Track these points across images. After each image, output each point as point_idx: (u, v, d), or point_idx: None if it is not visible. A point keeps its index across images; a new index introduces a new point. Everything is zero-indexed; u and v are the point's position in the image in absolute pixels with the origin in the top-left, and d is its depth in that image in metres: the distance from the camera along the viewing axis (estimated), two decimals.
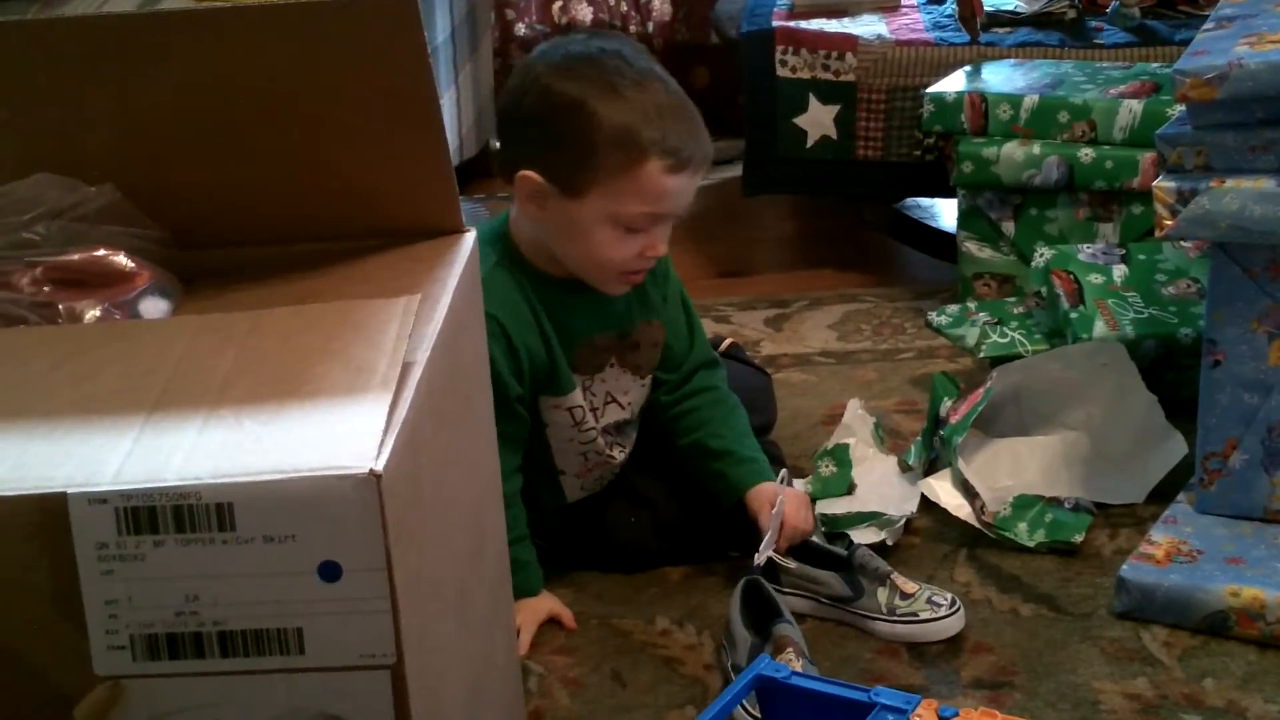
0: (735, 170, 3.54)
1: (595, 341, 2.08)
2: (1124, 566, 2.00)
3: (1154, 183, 1.99)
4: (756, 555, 2.02)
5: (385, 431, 1.00)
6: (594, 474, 2.18)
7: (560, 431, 2.10)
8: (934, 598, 2.00)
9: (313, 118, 1.29)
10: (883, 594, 2.00)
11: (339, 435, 1.01)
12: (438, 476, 1.15)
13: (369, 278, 1.29)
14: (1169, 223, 1.97)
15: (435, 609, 1.13)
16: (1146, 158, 2.76)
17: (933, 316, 2.81)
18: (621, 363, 2.12)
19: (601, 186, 1.90)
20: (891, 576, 2.02)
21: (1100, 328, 2.47)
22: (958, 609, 2.00)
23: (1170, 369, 2.43)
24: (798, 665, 1.81)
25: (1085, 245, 2.73)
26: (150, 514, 0.96)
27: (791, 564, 2.04)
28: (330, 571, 0.99)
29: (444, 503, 1.18)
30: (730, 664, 1.92)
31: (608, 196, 1.91)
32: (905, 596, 2.00)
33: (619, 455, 2.18)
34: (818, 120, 3.23)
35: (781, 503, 2.06)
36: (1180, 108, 2.02)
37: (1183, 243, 2.58)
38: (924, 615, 1.97)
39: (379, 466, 0.97)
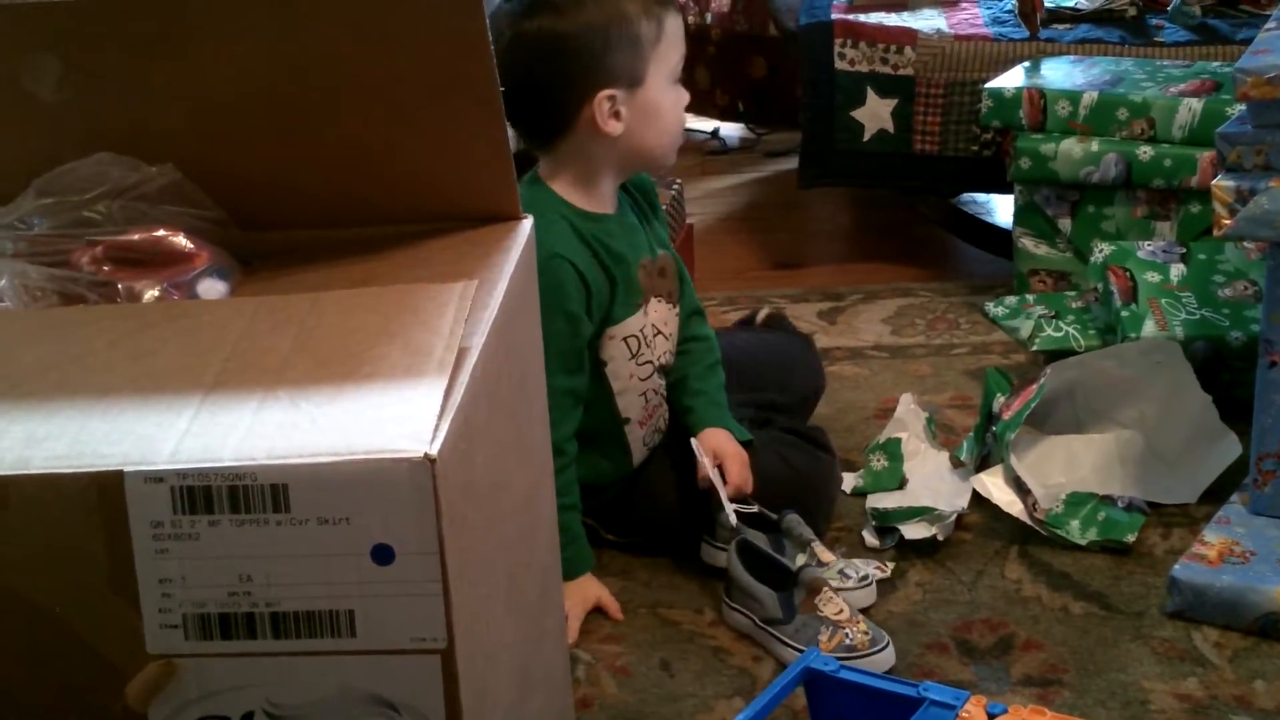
0: (792, 162, 3.55)
1: (646, 265, 2.16)
2: (1176, 566, 1.99)
3: (1213, 181, 1.98)
4: (723, 517, 2.07)
5: (440, 415, 1.01)
6: (653, 421, 2.20)
7: (620, 368, 2.13)
8: (845, 569, 2.03)
9: (374, 102, 1.29)
10: (801, 559, 2.04)
11: (394, 418, 1.01)
12: (491, 461, 1.16)
13: (427, 262, 1.29)
14: (1228, 222, 1.96)
15: (486, 593, 1.13)
16: (1205, 156, 2.73)
17: (990, 307, 2.80)
18: (656, 291, 2.18)
19: (653, 59, 2.06)
20: (813, 544, 2.05)
21: (1150, 327, 2.45)
22: (868, 583, 2.03)
23: (1225, 370, 2.41)
24: (839, 603, 1.95)
25: (1145, 242, 2.71)
26: (206, 493, 0.97)
27: (733, 519, 2.07)
28: (383, 554, 0.99)
29: (497, 487, 1.18)
30: (757, 619, 1.98)
31: (659, 62, 2.06)
32: (822, 564, 2.03)
33: (667, 402, 2.23)
34: (875, 113, 3.22)
35: (716, 469, 2.11)
36: (1240, 106, 2.01)
37: (1244, 243, 2.56)
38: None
39: (434, 450, 0.97)
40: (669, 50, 2.07)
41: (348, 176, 1.34)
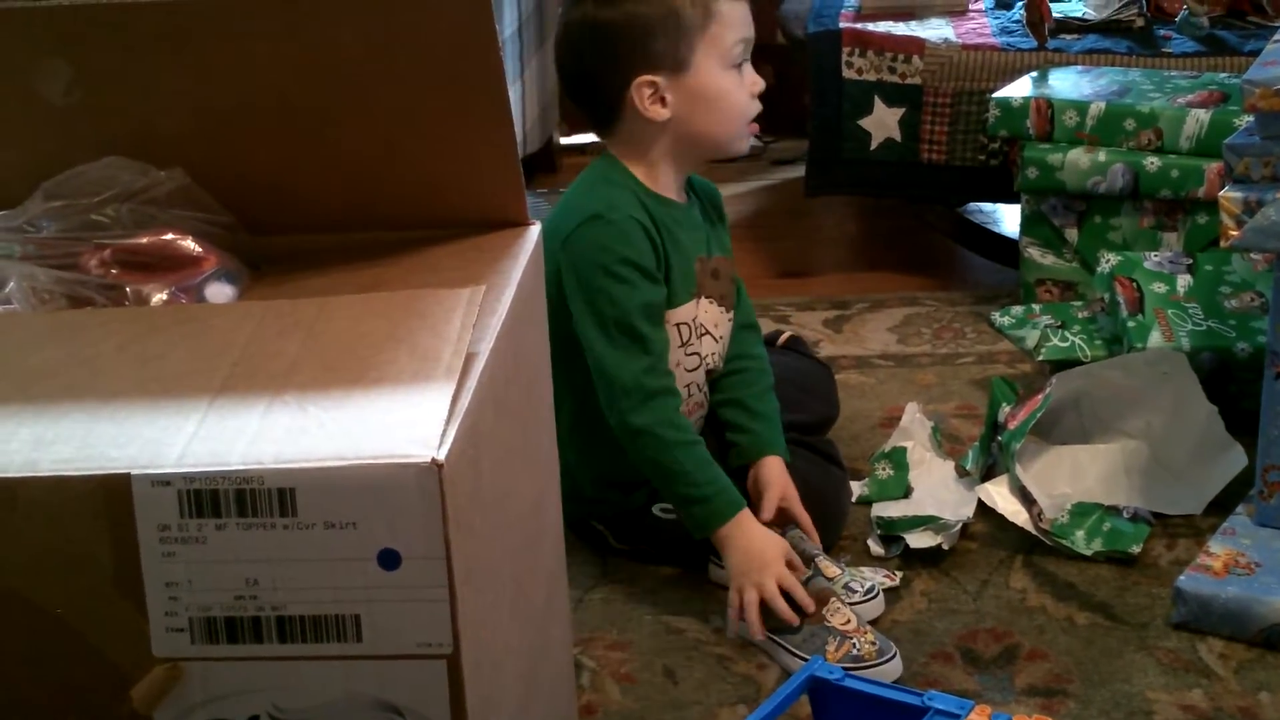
0: (798, 170, 3.54)
1: (704, 262, 2.16)
2: (1181, 577, 1.99)
3: (1220, 192, 1.98)
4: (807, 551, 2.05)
5: (447, 421, 1.01)
6: (693, 417, 2.18)
7: (669, 354, 2.12)
8: (851, 583, 2.03)
9: (384, 108, 1.30)
10: (807, 574, 2.02)
11: (402, 423, 1.01)
12: (498, 467, 1.16)
13: (435, 267, 1.30)
14: (1235, 233, 1.96)
15: (492, 599, 1.13)
16: (1212, 167, 2.73)
17: (996, 316, 2.80)
18: (708, 293, 2.17)
19: (701, 45, 2.05)
20: (817, 559, 2.04)
21: (1156, 338, 2.45)
22: (874, 595, 2.03)
23: (1231, 381, 2.41)
24: (847, 613, 1.95)
25: (1152, 253, 2.71)
26: (213, 497, 0.97)
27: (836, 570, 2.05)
28: (389, 559, 0.99)
29: (503, 493, 1.18)
30: (810, 580, 1.99)
31: (710, 48, 2.06)
32: (827, 579, 2.02)
33: (706, 402, 2.22)
34: (882, 122, 3.22)
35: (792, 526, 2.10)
36: (1248, 118, 2.01)
37: (1251, 255, 2.56)
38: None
39: (440, 455, 0.97)
40: (722, 33, 2.06)
41: (356, 182, 1.35)
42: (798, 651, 1.94)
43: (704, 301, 2.16)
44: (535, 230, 1.37)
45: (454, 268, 1.29)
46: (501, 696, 1.16)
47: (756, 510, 2.06)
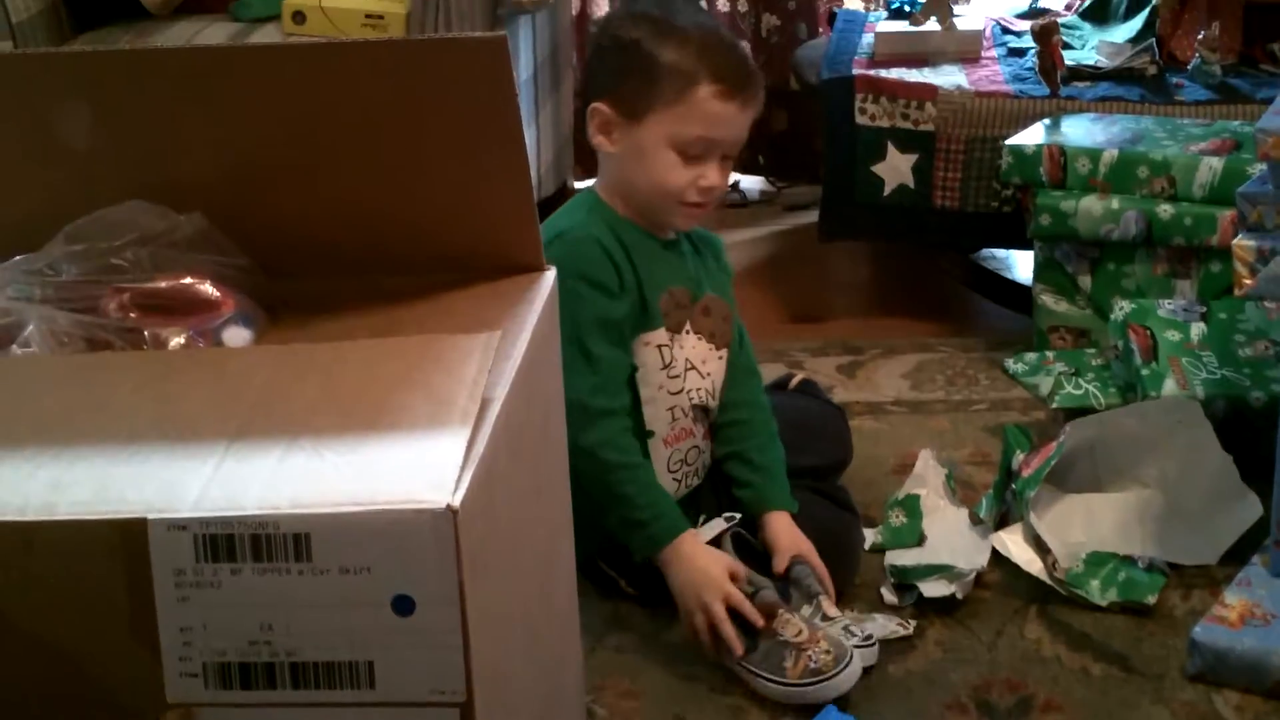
0: (812, 216, 3.54)
1: (675, 294, 2.17)
2: (1196, 628, 1.98)
3: (1234, 241, 1.98)
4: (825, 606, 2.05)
5: (463, 466, 1.01)
6: (680, 446, 2.19)
7: (650, 376, 2.14)
8: (851, 627, 2.03)
9: (402, 153, 1.30)
10: (807, 610, 2.03)
11: (417, 468, 1.01)
12: (512, 512, 1.16)
13: (451, 312, 1.30)
14: (1248, 281, 1.96)
15: (506, 645, 1.13)
16: (1226, 215, 2.73)
17: (1010, 363, 2.80)
18: (697, 329, 2.20)
19: (659, 112, 2.08)
20: (820, 598, 2.04)
21: (1171, 385, 2.45)
22: (872, 643, 2.03)
23: (1246, 429, 2.40)
24: (797, 623, 1.97)
25: (1166, 300, 2.71)
26: (229, 542, 0.97)
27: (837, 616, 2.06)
28: (404, 605, 0.99)
29: (518, 538, 1.18)
30: (756, 594, 2.00)
31: (665, 121, 2.08)
32: (828, 619, 2.02)
33: (700, 433, 2.22)
34: (896, 168, 3.23)
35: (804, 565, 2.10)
36: (1261, 166, 2.01)
37: (1265, 303, 2.56)
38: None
39: (455, 501, 0.97)
40: (685, 116, 2.07)
41: (373, 226, 1.35)
42: (759, 671, 1.96)
43: (691, 337, 2.19)
44: (550, 275, 1.38)
45: (470, 312, 1.30)
46: None
47: (769, 564, 2.08)
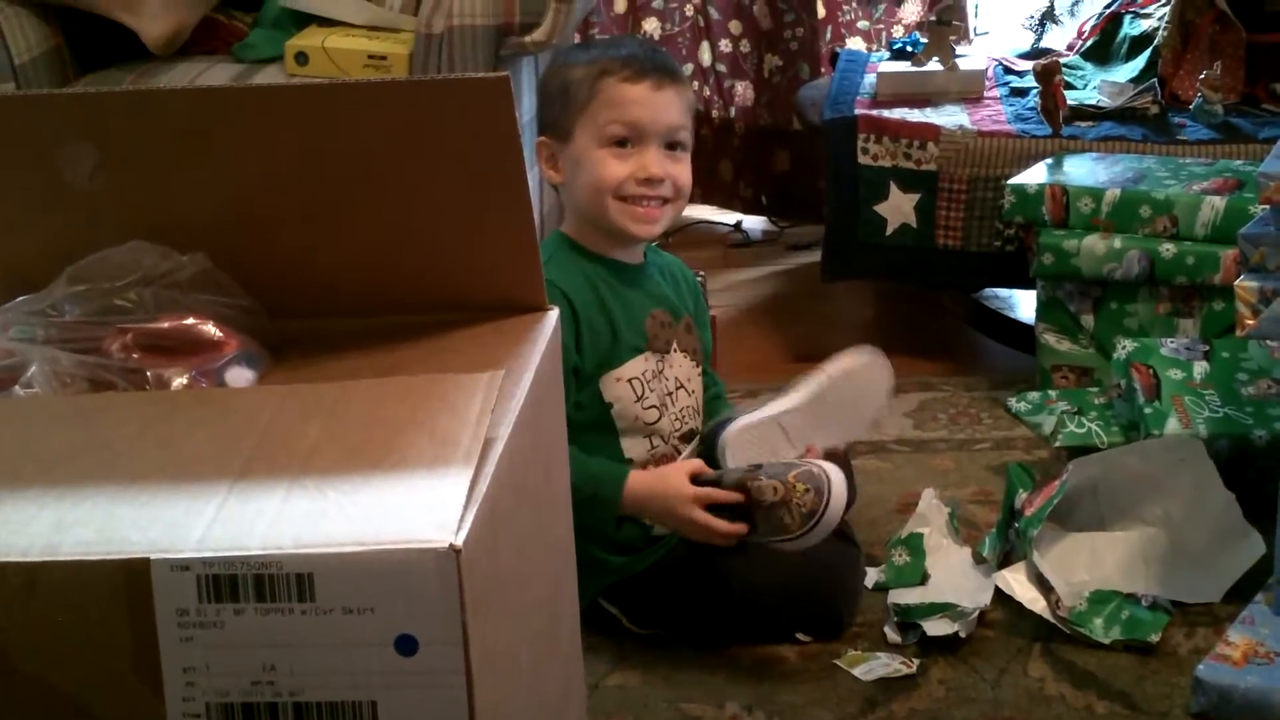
0: (815, 255, 3.55)
1: (657, 316, 2.24)
2: (1200, 666, 1.98)
3: (1236, 281, 1.98)
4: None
5: (466, 505, 1.01)
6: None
7: (625, 409, 2.19)
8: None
9: (404, 193, 1.30)
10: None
11: (420, 508, 1.01)
12: (516, 551, 1.16)
13: (454, 351, 1.30)
14: (1251, 322, 1.96)
15: (510, 685, 1.13)
16: (1228, 254, 2.73)
17: (1012, 402, 2.79)
18: (681, 346, 2.27)
19: (580, 120, 2.17)
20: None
21: (1174, 424, 2.45)
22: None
23: (1249, 467, 2.40)
24: (770, 483, 2.04)
25: (1169, 339, 2.71)
26: (232, 582, 0.97)
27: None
28: (407, 645, 0.99)
29: (521, 578, 1.18)
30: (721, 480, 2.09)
31: (587, 124, 2.17)
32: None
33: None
34: (898, 208, 3.24)
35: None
36: (1264, 206, 2.01)
37: (1268, 342, 2.56)
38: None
39: (459, 541, 0.97)
40: (598, 111, 2.15)
41: (377, 266, 1.36)
42: (773, 541, 2.05)
43: (678, 354, 2.26)
44: (554, 315, 1.38)
45: (473, 352, 1.30)
46: None
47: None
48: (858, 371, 2.32)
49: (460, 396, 1.16)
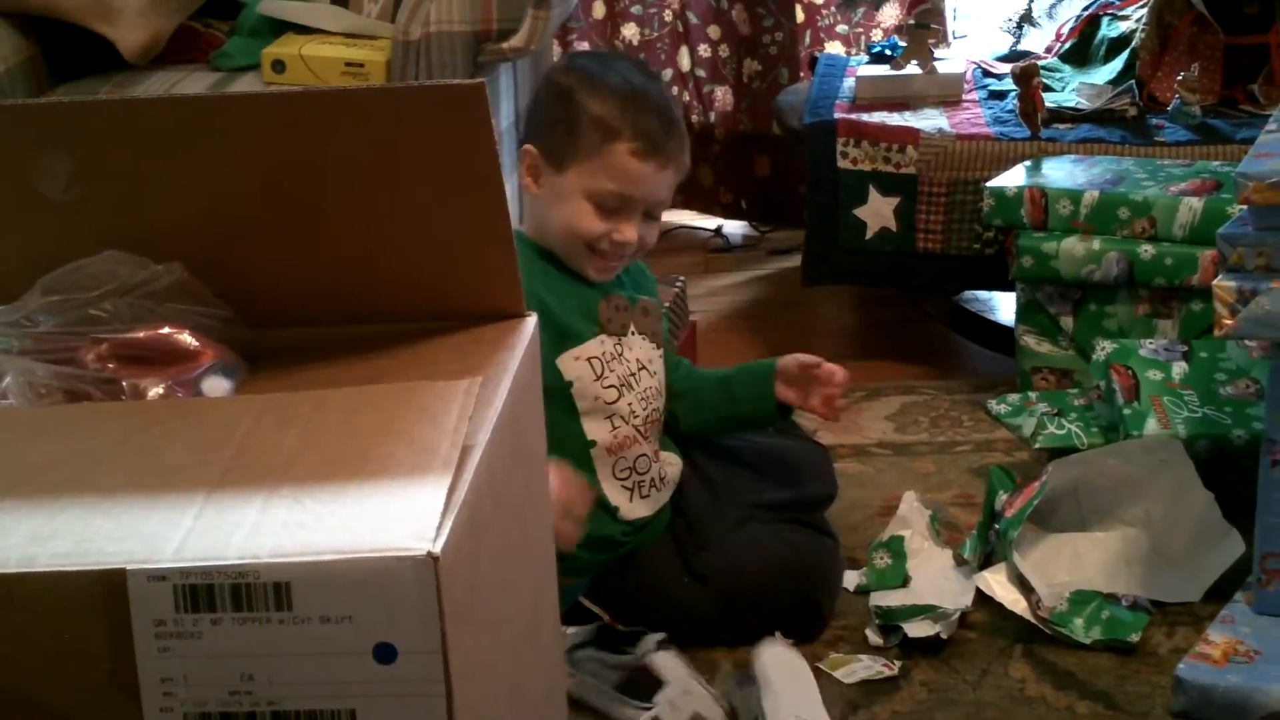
0: (795, 260, 3.56)
1: (613, 299, 2.26)
2: (1181, 666, 1.98)
3: (1215, 281, 1.99)
4: None
5: (444, 513, 1.01)
6: (625, 454, 2.22)
7: (585, 389, 2.20)
8: None
9: (381, 201, 1.30)
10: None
11: (399, 516, 1.01)
12: (496, 559, 1.15)
13: (432, 359, 1.30)
14: (1229, 322, 1.97)
15: (490, 694, 1.12)
16: (1207, 255, 2.74)
17: (992, 405, 2.80)
18: (639, 329, 2.29)
19: (580, 164, 2.17)
20: None
21: (1153, 425, 2.45)
22: None
23: (1230, 468, 2.41)
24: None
25: (1148, 341, 2.72)
26: (209, 592, 0.97)
27: None
28: (386, 653, 0.99)
29: (501, 585, 1.18)
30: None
31: (584, 173, 2.17)
32: None
33: (648, 445, 2.26)
34: (878, 212, 3.24)
35: None
36: (1242, 206, 2.02)
37: (1246, 342, 2.57)
38: None
39: (437, 548, 0.97)
40: (600, 170, 2.15)
41: (354, 275, 1.35)
42: None
43: (636, 337, 2.28)
44: (531, 321, 1.37)
45: (451, 360, 1.30)
46: None
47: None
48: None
49: (438, 404, 1.15)
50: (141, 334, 1.25)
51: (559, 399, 2.16)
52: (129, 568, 0.97)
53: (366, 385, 1.22)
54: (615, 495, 2.21)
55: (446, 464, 1.06)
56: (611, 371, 2.22)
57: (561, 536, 1.95)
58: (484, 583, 1.10)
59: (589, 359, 2.21)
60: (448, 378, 1.20)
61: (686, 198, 4.21)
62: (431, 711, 1.00)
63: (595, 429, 2.21)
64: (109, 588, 0.97)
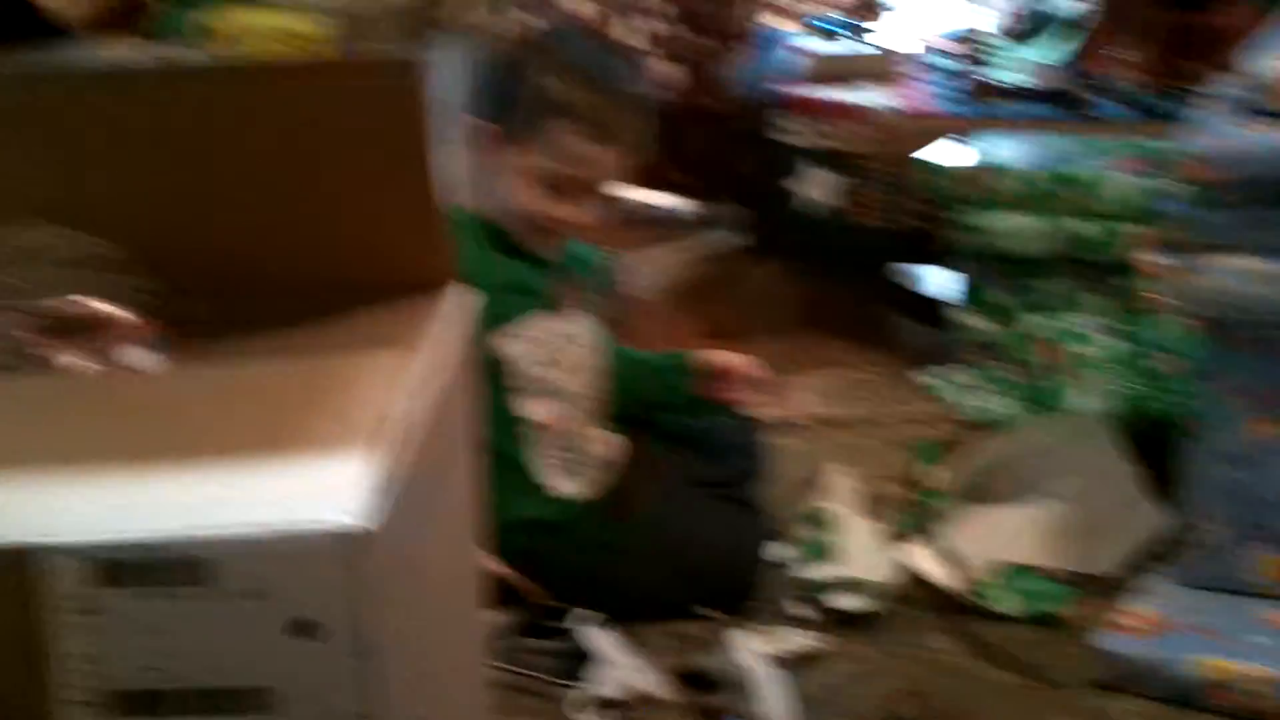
0: (735, 235, 3.55)
1: (559, 276, 2.28)
2: (1101, 636, 2.00)
3: (1148, 258, 2.00)
4: None
5: (367, 487, 1.00)
6: (563, 431, 2.23)
7: (523, 366, 2.20)
8: None
9: (311, 172, 1.29)
10: None
11: (321, 490, 1.00)
12: (420, 535, 1.15)
13: (362, 332, 1.29)
14: (1162, 298, 1.99)
15: (411, 671, 1.12)
16: (1142, 232, 2.76)
17: (921, 378, 2.81)
18: (583, 307, 2.31)
19: (530, 141, 2.18)
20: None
21: (1080, 400, 2.47)
22: None
23: (1152, 442, 2.43)
24: None
25: (1079, 316, 2.73)
26: (118, 567, 0.95)
27: None
28: (305, 629, 0.98)
29: (425, 562, 1.17)
30: None
31: (534, 150, 2.18)
32: None
33: (583, 424, 2.28)
34: (819, 186, 3.24)
35: None
36: (1177, 185, 2.04)
37: (1177, 318, 2.58)
38: None
39: (359, 523, 0.96)
40: (551, 152, 2.17)
41: (281, 246, 1.34)
42: None
43: (577, 316, 2.29)
44: (465, 294, 1.36)
45: (381, 332, 1.28)
46: None
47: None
48: None
49: (365, 377, 1.15)
50: (60, 303, 1.24)
51: (496, 375, 2.16)
52: (36, 543, 0.95)
53: (292, 357, 1.21)
54: (549, 474, 2.20)
55: (370, 437, 1.05)
56: (551, 349, 2.22)
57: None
58: (407, 558, 1.09)
59: (529, 336, 2.20)
60: (377, 349, 1.19)
61: (631, 173, 4.19)
62: (350, 689, 0.99)
63: (531, 406, 2.21)
64: (15, 565, 0.95)
